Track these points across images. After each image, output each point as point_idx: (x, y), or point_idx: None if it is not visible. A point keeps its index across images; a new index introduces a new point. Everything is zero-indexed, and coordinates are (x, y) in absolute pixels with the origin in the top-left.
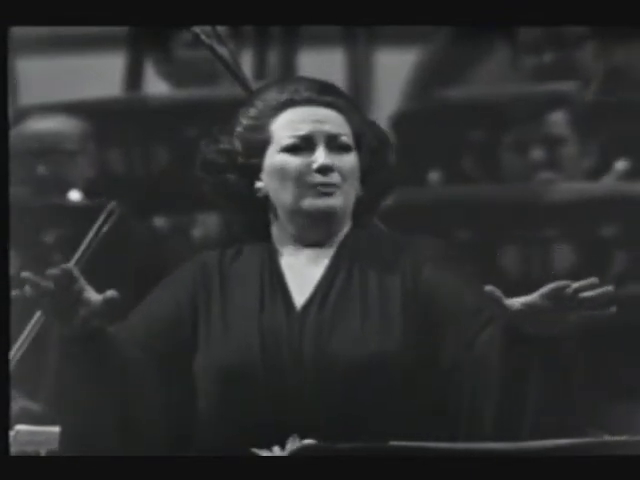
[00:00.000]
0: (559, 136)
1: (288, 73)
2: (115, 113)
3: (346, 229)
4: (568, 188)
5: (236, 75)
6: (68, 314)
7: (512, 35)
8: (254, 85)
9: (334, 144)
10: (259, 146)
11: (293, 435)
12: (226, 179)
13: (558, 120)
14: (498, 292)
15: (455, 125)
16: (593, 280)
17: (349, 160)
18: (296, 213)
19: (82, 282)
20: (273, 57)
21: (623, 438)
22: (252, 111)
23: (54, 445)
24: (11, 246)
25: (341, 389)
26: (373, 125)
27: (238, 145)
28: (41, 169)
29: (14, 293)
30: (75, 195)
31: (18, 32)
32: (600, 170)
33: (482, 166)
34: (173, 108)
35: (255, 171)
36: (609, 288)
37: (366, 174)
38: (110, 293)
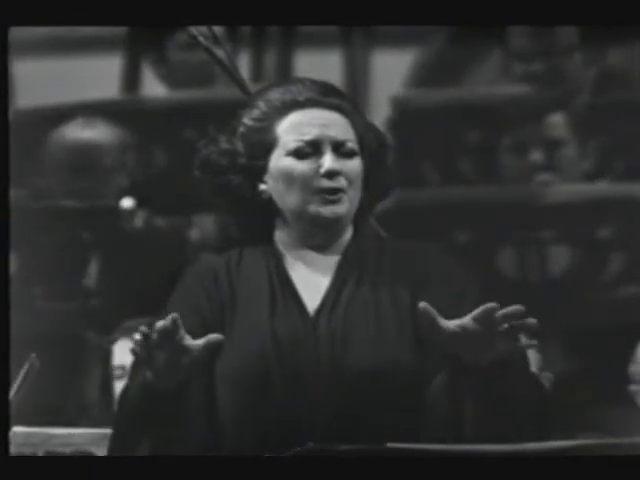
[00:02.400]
0: (558, 138)
1: (285, 74)
2: (112, 115)
3: (349, 233)
4: (566, 190)
5: (233, 77)
6: (171, 365)
7: (503, 41)
8: (251, 86)
9: (340, 150)
10: (264, 148)
11: (309, 443)
12: (228, 180)
13: (557, 122)
14: (433, 312)
15: (453, 126)
16: (518, 307)
17: (354, 165)
18: (301, 217)
19: (182, 331)
20: (270, 59)
21: (623, 440)
22: (255, 112)
23: (51, 447)
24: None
25: (357, 394)
26: (372, 127)
27: (240, 146)
28: (80, 183)
29: (134, 348)
30: (128, 202)
31: (15, 34)
32: (598, 172)
33: (480, 168)
34: (170, 110)
35: (259, 173)
36: (532, 320)
37: (366, 176)
38: (215, 337)
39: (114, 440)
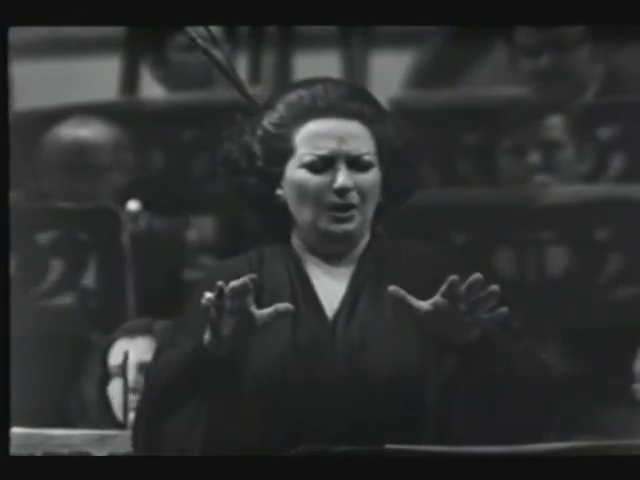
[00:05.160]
0: (556, 140)
1: (283, 76)
2: (111, 117)
3: (365, 239)
4: (564, 191)
5: (231, 78)
6: (235, 330)
7: (509, 37)
8: (249, 88)
9: (356, 164)
10: (281, 155)
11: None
12: (246, 182)
13: (555, 124)
14: (402, 292)
15: (452, 128)
16: (477, 276)
17: (369, 178)
18: (313, 231)
19: (251, 297)
20: (269, 60)
21: (622, 442)
22: (275, 116)
23: (49, 448)
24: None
25: (374, 399)
26: (398, 123)
27: (258, 149)
28: (76, 182)
29: (206, 304)
30: (134, 205)
31: (14, 35)
32: (596, 173)
33: (479, 169)
34: (169, 111)
35: (275, 178)
36: (494, 287)
37: (385, 181)
38: (283, 306)
39: (147, 412)
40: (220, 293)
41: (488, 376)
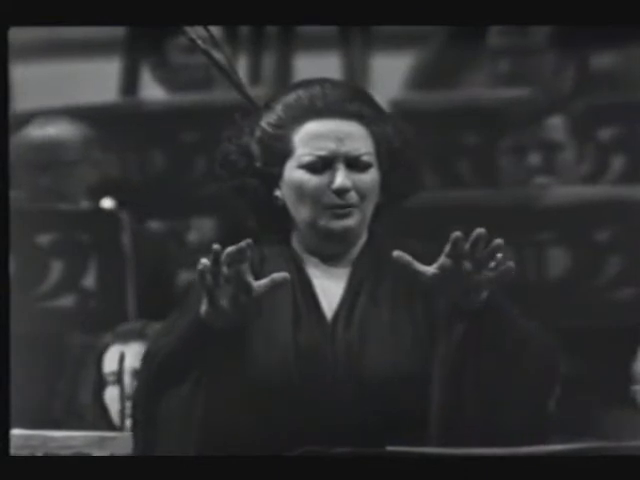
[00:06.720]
0: (556, 141)
1: (284, 77)
2: (111, 118)
3: (363, 239)
4: (563, 192)
5: (232, 79)
6: (231, 300)
7: (481, 41)
8: (250, 90)
9: (354, 164)
10: (279, 156)
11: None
12: (245, 183)
13: (555, 125)
14: (406, 257)
15: (452, 129)
16: (480, 231)
17: (368, 178)
18: (312, 230)
19: (247, 265)
20: (269, 61)
21: (621, 443)
22: (273, 117)
23: (49, 449)
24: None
25: (376, 400)
26: (396, 124)
27: (256, 149)
28: (44, 181)
29: (202, 271)
30: (107, 202)
31: (14, 36)
32: (597, 175)
33: (479, 170)
34: (169, 113)
35: (274, 179)
36: (498, 240)
37: (386, 178)
38: (279, 275)
39: (145, 391)
40: (216, 259)
41: (497, 346)
